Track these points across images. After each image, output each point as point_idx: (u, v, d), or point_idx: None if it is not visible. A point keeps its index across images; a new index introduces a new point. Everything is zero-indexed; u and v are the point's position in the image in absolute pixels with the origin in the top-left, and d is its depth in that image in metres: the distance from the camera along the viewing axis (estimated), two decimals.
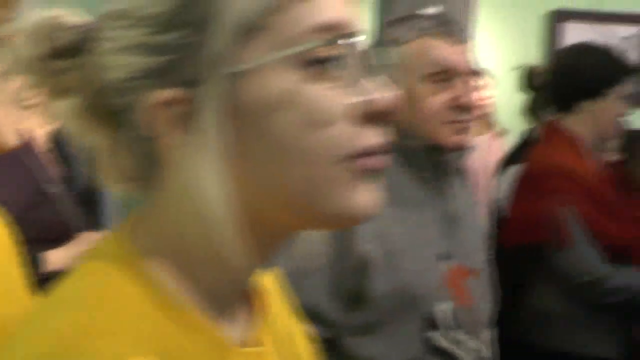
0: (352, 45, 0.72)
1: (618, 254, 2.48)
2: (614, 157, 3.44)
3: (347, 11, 0.73)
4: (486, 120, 4.30)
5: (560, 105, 2.60)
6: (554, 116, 2.63)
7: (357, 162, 0.71)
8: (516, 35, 5.25)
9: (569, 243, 2.42)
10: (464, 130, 1.78)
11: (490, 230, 3.06)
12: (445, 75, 1.76)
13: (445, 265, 1.77)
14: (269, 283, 0.90)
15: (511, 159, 3.17)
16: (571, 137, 2.56)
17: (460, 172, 1.91)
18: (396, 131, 1.79)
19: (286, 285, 0.95)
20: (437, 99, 1.75)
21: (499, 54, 5.14)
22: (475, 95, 1.80)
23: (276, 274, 0.93)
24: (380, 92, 0.72)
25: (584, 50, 2.63)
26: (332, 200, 0.71)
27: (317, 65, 0.70)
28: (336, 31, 0.71)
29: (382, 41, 1.82)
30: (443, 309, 1.73)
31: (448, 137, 1.76)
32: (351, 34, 0.72)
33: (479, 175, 3.75)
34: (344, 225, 0.74)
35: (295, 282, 1.68)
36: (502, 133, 4.34)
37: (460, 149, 1.80)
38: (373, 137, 0.72)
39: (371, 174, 0.73)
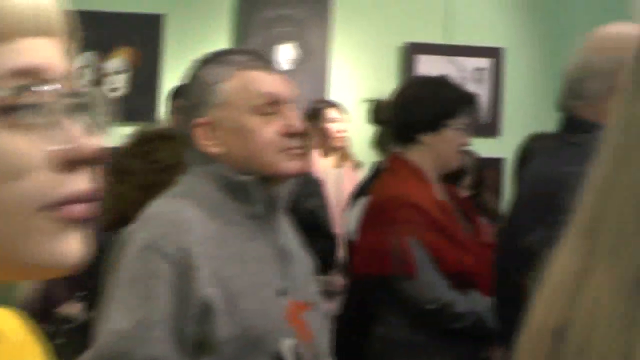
0: (51, 91, 0.69)
1: (463, 281, 2.55)
2: (468, 189, 3.56)
3: (48, 56, 0.70)
4: (342, 153, 4.37)
5: (402, 138, 2.66)
6: (398, 148, 2.69)
7: (59, 210, 0.69)
8: (372, 67, 5.35)
9: (415, 272, 2.46)
10: (300, 156, 1.80)
11: (343, 261, 3.10)
12: (272, 105, 1.78)
13: (284, 300, 1.78)
14: (8, 325, 0.87)
15: (362, 190, 3.22)
16: (414, 168, 2.62)
17: (287, 205, 1.91)
18: (228, 168, 1.79)
19: (35, 326, 0.91)
20: (269, 129, 1.77)
21: (354, 87, 5.22)
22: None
23: (21, 314, 0.89)
24: (84, 138, 0.70)
25: (422, 83, 2.72)
26: (33, 251, 0.69)
27: (11, 112, 0.67)
28: (33, 77, 0.68)
29: (199, 80, 1.82)
30: (288, 345, 1.74)
31: (285, 164, 1.77)
32: (50, 80, 0.69)
33: (334, 207, 3.80)
34: (49, 276, 0.73)
35: (139, 335, 1.65)
36: (358, 165, 4.41)
37: (298, 175, 1.82)
38: (77, 184, 0.70)
39: (76, 222, 0.70)
